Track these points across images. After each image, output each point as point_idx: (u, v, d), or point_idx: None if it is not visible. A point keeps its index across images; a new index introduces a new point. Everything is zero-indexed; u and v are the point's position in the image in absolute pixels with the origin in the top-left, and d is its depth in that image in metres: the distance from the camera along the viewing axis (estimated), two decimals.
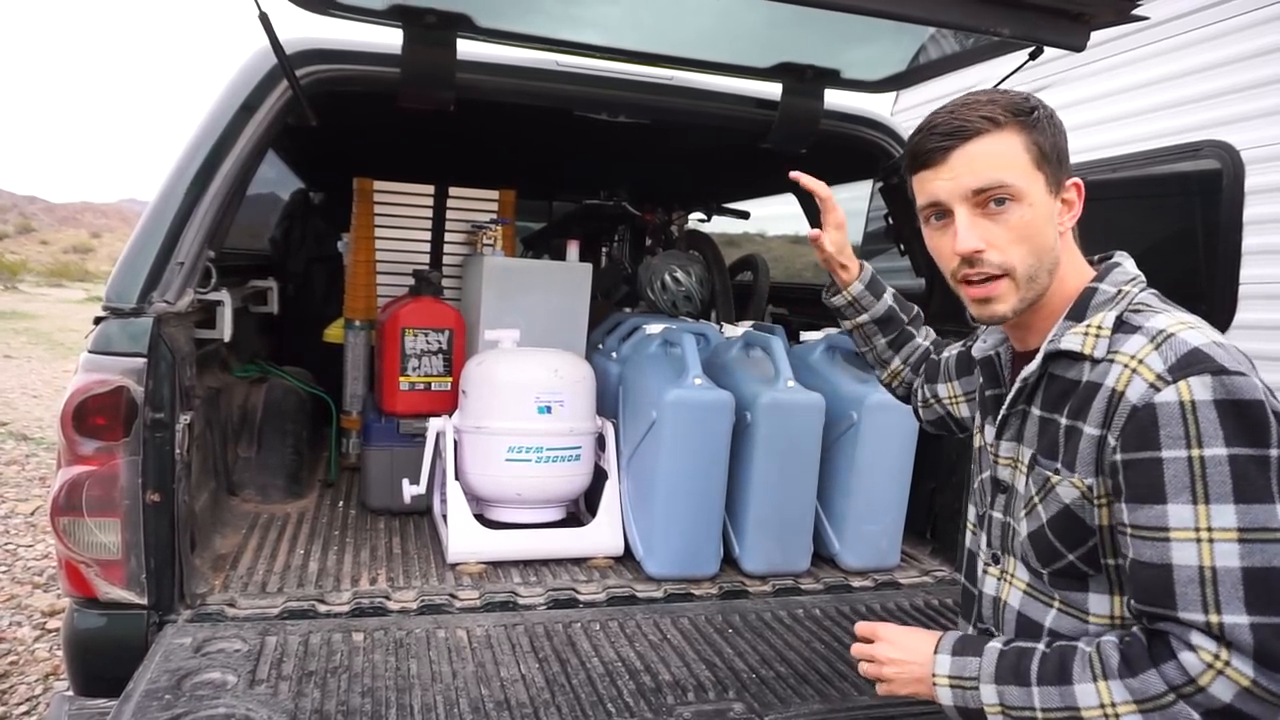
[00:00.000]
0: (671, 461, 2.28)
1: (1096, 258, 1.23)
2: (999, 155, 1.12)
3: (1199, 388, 1.00)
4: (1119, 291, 1.15)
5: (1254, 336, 2.31)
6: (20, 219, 51.91)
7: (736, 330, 2.86)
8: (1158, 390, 1.02)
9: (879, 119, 2.71)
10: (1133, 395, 1.04)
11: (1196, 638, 0.98)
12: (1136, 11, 1.73)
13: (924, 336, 1.71)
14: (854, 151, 2.72)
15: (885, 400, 2.37)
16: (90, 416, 1.75)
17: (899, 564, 2.53)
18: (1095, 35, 1.83)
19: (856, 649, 1.32)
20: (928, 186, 1.18)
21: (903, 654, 1.23)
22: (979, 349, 1.39)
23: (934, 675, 1.18)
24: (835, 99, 2.53)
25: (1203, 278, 2.45)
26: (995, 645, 1.16)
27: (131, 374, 1.77)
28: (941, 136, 1.15)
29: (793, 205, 3.99)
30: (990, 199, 1.13)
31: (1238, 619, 0.96)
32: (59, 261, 37.57)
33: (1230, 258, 2.37)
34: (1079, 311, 1.16)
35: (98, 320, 1.84)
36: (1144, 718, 1.00)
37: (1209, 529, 0.98)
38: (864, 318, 1.67)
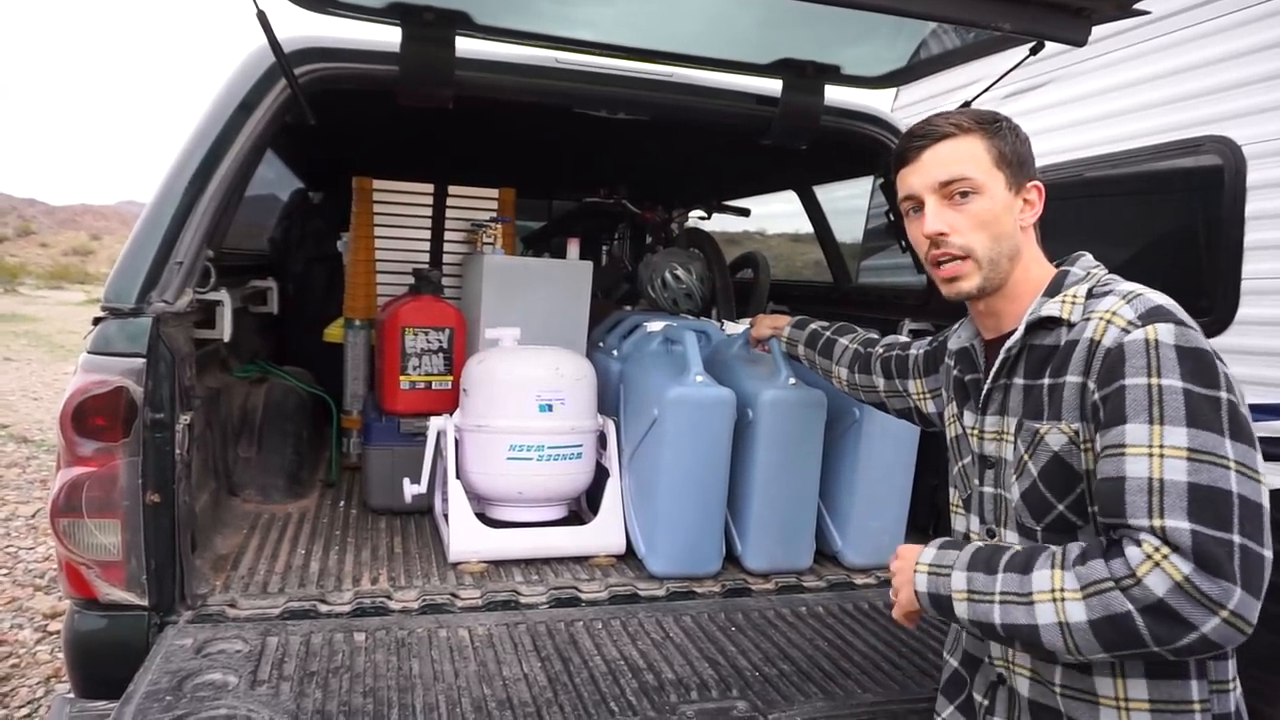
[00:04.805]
0: (673, 459, 2.27)
1: (1057, 261, 1.38)
2: (963, 154, 1.31)
3: (1164, 331, 1.13)
4: (1087, 274, 1.32)
5: (1256, 332, 2.30)
6: (20, 222, 51.89)
7: (737, 328, 2.86)
8: (1128, 333, 1.16)
9: (879, 115, 2.70)
10: (1108, 340, 1.18)
11: (1143, 537, 1.08)
12: (1138, 6, 1.72)
13: (851, 339, 1.97)
14: (855, 148, 2.72)
15: None
16: (90, 417, 1.74)
17: None
18: (1096, 30, 1.82)
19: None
20: (905, 181, 1.37)
21: (905, 558, 1.35)
22: (954, 342, 1.52)
23: (917, 564, 1.28)
24: (836, 95, 2.53)
25: (1204, 273, 2.45)
26: (975, 544, 1.27)
27: (131, 374, 1.76)
28: (917, 139, 1.35)
29: (793, 203, 3.98)
30: (955, 191, 1.31)
31: (1179, 523, 1.05)
32: (59, 264, 37.59)
33: (1232, 253, 2.36)
34: (1054, 289, 1.31)
35: (96, 321, 1.83)
36: (1085, 604, 1.09)
37: (1161, 446, 1.09)
38: (801, 349, 2.10)
